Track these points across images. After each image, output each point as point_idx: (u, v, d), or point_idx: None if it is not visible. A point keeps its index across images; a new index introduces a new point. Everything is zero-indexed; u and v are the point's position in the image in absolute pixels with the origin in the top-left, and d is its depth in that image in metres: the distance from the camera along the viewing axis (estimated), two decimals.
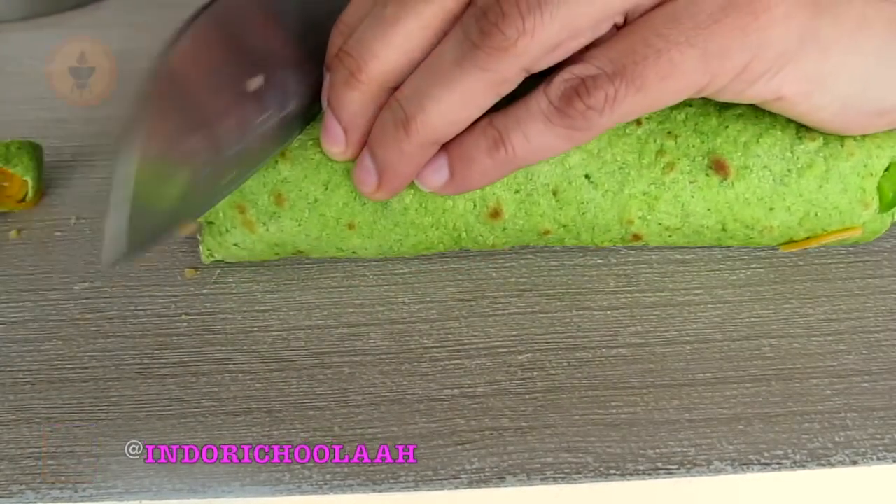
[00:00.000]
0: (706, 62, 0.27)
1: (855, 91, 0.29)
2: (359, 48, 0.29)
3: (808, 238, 0.34)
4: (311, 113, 0.33)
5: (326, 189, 0.32)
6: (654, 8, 0.27)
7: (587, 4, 0.26)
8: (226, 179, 0.30)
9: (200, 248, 0.35)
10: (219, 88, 0.29)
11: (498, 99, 0.28)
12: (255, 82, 0.30)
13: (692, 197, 0.32)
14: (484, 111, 0.29)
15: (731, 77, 0.28)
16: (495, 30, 0.26)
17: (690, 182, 0.32)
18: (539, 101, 0.28)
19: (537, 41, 0.26)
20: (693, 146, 0.32)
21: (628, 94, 0.27)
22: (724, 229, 0.33)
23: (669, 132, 0.32)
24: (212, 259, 0.35)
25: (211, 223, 0.34)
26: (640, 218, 0.33)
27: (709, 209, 0.32)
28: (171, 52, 0.28)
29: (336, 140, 0.31)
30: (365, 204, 0.32)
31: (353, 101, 0.29)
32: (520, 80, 0.28)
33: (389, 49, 0.28)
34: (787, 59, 0.28)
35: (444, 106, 0.28)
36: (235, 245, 0.34)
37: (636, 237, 0.34)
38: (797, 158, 0.32)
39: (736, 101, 0.29)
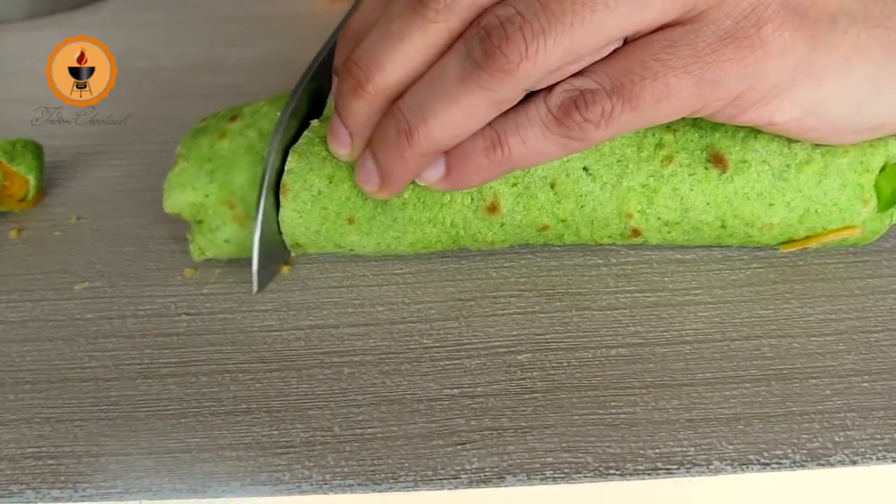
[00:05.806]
0: (700, 89, 0.28)
1: (848, 113, 0.30)
2: (366, 60, 0.29)
3: (807, 238, 0.34)
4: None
5: (331, 182, 0.33)
6: (654, 31, 0.28)
7: (589, 32, 0.27)
8: None
9: (191, 247, 0.35)
10: None
11: (498, 114, 0.29)
12: None
13: (691, 190, 0.32)
14: (484, 124, 0.29)
15: (723, 104, 0.28)
16: (498, 52, 0.27)
17: (689, 175, 0.32)
18: (538, 108, 0.28)
19: (539, 66, 0.27)
20: (691, 140, 0.32)
21: (623, 112, 0.27)
22: (723, 226, 0.33)
23: (668, 126, 0.32)
24: (203, 257, 0.35)
25: (200, 221, 0.34)
26: (639, 211, 0.33)
27: (708, 203, 0.32)
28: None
29: (343, 143, 0.32)
30: (366, 199, 0.33)
31: (360, 109, 0.30)
32: (520, 97, 0.28)
33: (395, 64, 0.29)
34: (781, 90, 0.28)
35: (446, 120, 0.29)
36: (226, 241, 0.34)
37: (636, 232, 0.34)
38: (795, 154, 0.32)
39: (728, 123, 0.30)
